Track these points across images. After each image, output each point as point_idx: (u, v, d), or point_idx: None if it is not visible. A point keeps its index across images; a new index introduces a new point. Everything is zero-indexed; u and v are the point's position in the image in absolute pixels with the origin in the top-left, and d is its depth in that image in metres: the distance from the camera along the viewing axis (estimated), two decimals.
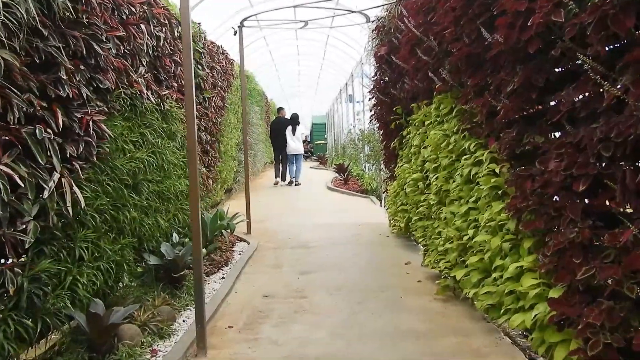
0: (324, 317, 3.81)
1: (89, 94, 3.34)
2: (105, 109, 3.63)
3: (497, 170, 3.02)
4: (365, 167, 12.97)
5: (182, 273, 4.41)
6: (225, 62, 9.30)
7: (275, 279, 4.89)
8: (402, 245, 6.22)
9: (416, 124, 5.32)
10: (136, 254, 4.22)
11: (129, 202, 3.91)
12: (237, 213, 6.65)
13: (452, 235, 3.77)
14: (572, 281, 2.16)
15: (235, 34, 7.21)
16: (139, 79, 4.31)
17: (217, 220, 5.70)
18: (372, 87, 6.82)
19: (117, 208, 3.70)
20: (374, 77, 6.80)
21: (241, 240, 6.64)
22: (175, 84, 5.61)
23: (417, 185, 5.19)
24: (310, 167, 21.63)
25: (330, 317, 3.79)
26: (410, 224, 5.62)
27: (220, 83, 8.55)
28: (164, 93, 5.11)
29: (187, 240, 5.25)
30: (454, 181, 3.95)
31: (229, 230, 6.31)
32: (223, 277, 4.96)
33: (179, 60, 5.71)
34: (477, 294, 3.28)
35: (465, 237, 3.55)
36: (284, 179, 13.57)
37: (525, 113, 2.69)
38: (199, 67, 6.90)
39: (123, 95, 3.93)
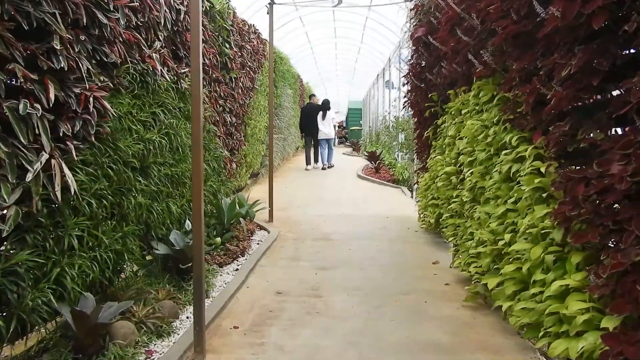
0: (338, 321, 3.47)
1: (90, 67, 3.05)
2: (111, 84, 3.34)
3: (542, 170, 2.59)
4: (398, 156, 12.51)
5: (191, 264, 4.13)
6: (257, 42, 8.96)
7: (291, 274, 4.58)
8: (430, 242, 5.81)
9: (452, 113, 4.87)
10: (143, 242, 3.97)
11: (134, 186, 3.64)
12: (257, 200, 6.35)
13: (486, 238, 3.35)
14: (634, 313, 1.75)
15: (267, 13, 6.87)
16: (153, 54, 4.01)
17: (235, 208, 5.40)
18: (407, 71, 6.37)
19: (120, 193, 3.43)
20: (409, 61, 6.34)
21: (262, 228, 6.35)
22: None
23: (449, 180, 4.76)
24: (343, 153, 21.21)
25: (345, 322, 3.44)
26: (440, 220, 5.20)
27: (249, 63, 8.23)
28: (182, 71, 4.81)
29: None
30: (490, 178, 3.52)
31: (248, 218, 6.03)
32: (237, 269, 4.68)
33: (202, 37, 5.39)
34: (512, 308, 2.87)
35: (501, 242, 3.13)
36: (316, 162, 13.69)
37: (580, 103, 2.25)
38: (226, 45, 6.58)
39: (132, 70, 3.64)
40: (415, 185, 8.63)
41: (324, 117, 13.31)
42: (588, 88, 2.08)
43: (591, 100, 2.16)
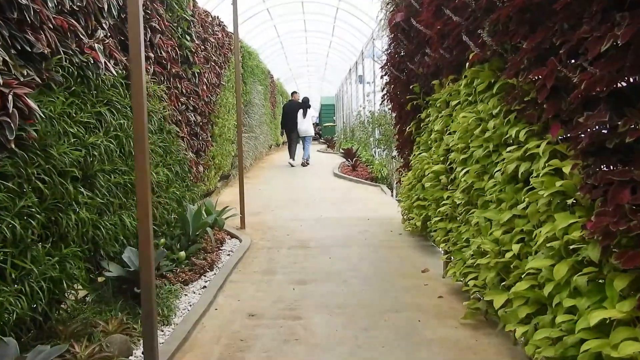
0: (320, 351, 2.97)
1: (7, 58, 2.48)
2: (38, 79, 2.76)
3: (566, 170, 2.13)
4: (375, 153, 12.07)
5: None
6: (222, 35, 8.38)
7: (265, 291, 4.06)
8: (417, 246, 5.36)
9: (438, 105, 4.42)
10: (91, 262, 3.40)
11: (76, 199, 3.07)
12: (227, 207, 5.80)
13: (489, 248, 2.89)
14: None
15: (232, 3, 6.32)
16: (96, 45, 3.43)
17: (201, 216, 4.85)
18: (384, 62, 5.90)
19: (56, 209, 2.87)
20: (387, 50, 5.87)
21: (233, 236, 5.81)
22: (153, 55, 4.73)
23: (438, 179, 4.31)
24: (318, 151, 20.71)
25: (329, 352, 2.95)
26: (428, 223, 4.75)
27: (215, 58, 7.65)
28: None
29: (163, 240, 4.44)
30: (490, 178, 3.07)
31: (217, 227, 5.49)
32: (205, 286, 4.14)
33: (157, 27, 4.83)
34: (527, 335, 2.42)
35: (509, 254, 2.68)
36: (292, 158, 13.87)
37: (616, 87, 1.80)
38: (187, 37, 6.01)
39: (68, 63, 3.06)
40: (396, 184, 8.20)
41: (304, 114, 13.64)
42: (636, 67, 1.62)
43: (633, 82, 1.71)
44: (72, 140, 3.05)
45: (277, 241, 5.66)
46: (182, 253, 4.36)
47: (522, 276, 2.51)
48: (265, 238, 5.81)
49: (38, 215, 2.67)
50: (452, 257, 3.98)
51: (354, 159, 11.90)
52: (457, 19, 3.19)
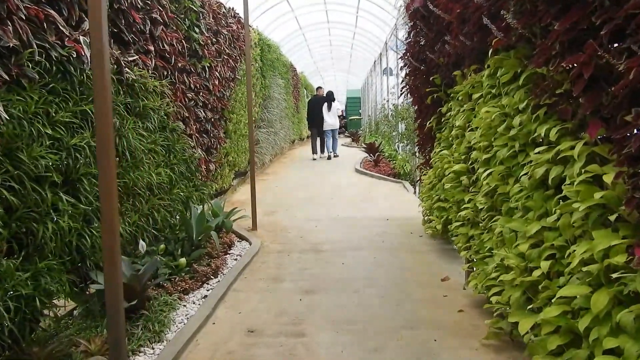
0: None
1: None
2: (5, 75, 2.50)
3: (608, 180, 1.74)
4: (398, 147, 11.63)
5: (141, 298, 3.32)
6: (237, 27, 8.08)
7: (269, 302, 3.75)
8: (438, 250, 4.98)
9: (459, 98, 4.03)
10: (77, 274, 3.14)
11: (56, 207, 2.81)
12: (235, 208, 5.51)
13: (513, 263, 2.51)
14: None
15: None
16: (81, 37, 3.16)
17: (205, 219, 4.56)
18: (404, 52, 5.50)
19: (30, 219, 2.61)
20: (406, 39, 5.47)
21: (242, 239, 5.52)
22: (152, 48, 4.45)
23: (459, 180, 3.92)
24: (342, 144, 20.30)
25: None
26: (449, 226, 4.36)
27: (228, 51, 7.35)
28: (131, 58, 3.97)
29: (162, 246, 4.17)
30: (516, 182, 2.68)
31: (224, 230, 5.21)
32: (206, 296, 3.86)
33: (158, 18, 4.54)
34: None
35: (537, 272, 2.29)
36: (322, 152, 14.12)
37: None
38: (195, 29, 5.72)
39: (44, 58, 2.79)
40: (418, 182, 7.79)
41: (329, 108, 13.83)
42: None
43: None
44: (49, 143, 2.78)
45: (288, 244, 5.35)
46: (183, 260, 4.08)
47: (553, 299, 2.12)
48: (277, 240, 5.50)
49: (8, 226, 2.41)
50: (473, 267, 3.60)
51: (377, 154, 11.48)
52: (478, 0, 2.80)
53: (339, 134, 27.32)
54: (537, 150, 2.31)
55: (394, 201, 7.60)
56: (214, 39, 6.61)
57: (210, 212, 5.17)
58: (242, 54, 8.22)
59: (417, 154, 6.82)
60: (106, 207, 2.21)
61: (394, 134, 11.76)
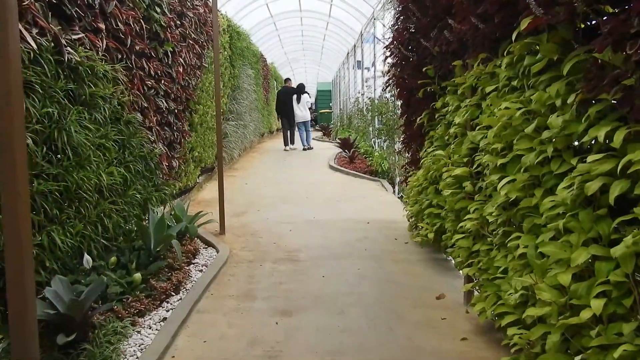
0: None
1: None
2: None
3: None
4: (374, 143, 11.16)
5: (82, 329, 2.71)
6: (205, 11, 7.42)
7: (240, 326, 3.19)
8: (427, 259, 4.50)
9: (459, 92, 3.54)
10: (1, 300, 2.52)
11: None
12: (200, 212, 4.92)
13: (549, 298, 2.02)
14: None
15: None
16: None
17: (165, 226, 3.96)
18: (390, 40, 4.98)
19: None
20: (393, 25, 4.95)
21: (209, 245, 4.93)
22: (103, 26, 3.80)
23: (459, 186, 3.43)
24: (313, 139, 19.74)
25: None
26: (443, 236, 3.89)
27: (194, 36, 6.70)
28: (75, 37, 3.32)
29: (113, 259, 3.55)
30: (547, 194, 2.19)
31: (188, 236, 4.61)
32: (165, 318, 3.27)
33: None
34: None
35: (585, 314, 1.80)
36: (292, 143, 14.11)
37: None
38: (156, 9, 5.06)
39: None
40: (401, 183, 7.32)
41: (298, 100, 13.72)
42: None
43: None
44: None
45: (261, 251, 4.79)
46: (137, 275, 3.47)
47: (608, 348, 1.64)
48: (248, 247, 4.93)
49: None
50: (477, 286, 3.13)
51: (352, 150, 10.97)
52: None
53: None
54: (588, 158, 1.81)
55: (373, 201, 7.11)
56: (178, 22, 5.96)
57: (172, 216, 4.56)
58: (210, 40, 7.57)
59: (400, 152, 6.34)
60: (10, 216, 1.61)
61: (369, 128, 11.28)
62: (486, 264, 2.92)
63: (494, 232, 2.86)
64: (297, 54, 24.69)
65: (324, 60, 24.85)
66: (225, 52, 9.56)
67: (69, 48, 3.16)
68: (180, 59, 5.94)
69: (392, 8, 5.14)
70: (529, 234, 2.35)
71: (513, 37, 2.37)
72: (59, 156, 3.04)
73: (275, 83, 20.52)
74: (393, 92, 7.41)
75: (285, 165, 11.26)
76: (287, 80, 15.10)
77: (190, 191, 7.07)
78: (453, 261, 4.31)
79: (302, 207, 6.68)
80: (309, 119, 14.17)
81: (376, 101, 10.15)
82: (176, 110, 5.81)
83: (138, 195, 4.12)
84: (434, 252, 4.63)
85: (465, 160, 3.35)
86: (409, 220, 5.12)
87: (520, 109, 2.39)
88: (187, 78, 6.25)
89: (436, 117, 4.09)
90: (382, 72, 9.38)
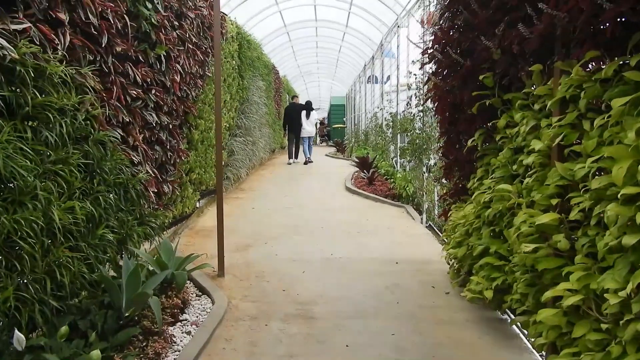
0: None
1: None
2: None
3: None
4: (396, 163, 10.18)
5: None
6: (210, 13, 6.56)
7: None
8: (479, 320, 3.52)
9: (537, 108, 2.61)
10: None
11: None
12: (192, 254, 3.98)
13: None
14: None
15: None
16: None
17: (140, 281, 3.01)
18: (431, 42, 4.05)
19: None
20: (437, 25, 4.02)
21: (203, 293, 3.98)
22: (65, 17, 2.91)
23: (543, 238, 2.47)
24: (327, 155, 18.85)
25: None
26: (508, 298, 2.92)
27: (196, 40, 5.82)
28: (14, 27, 2.43)
29: (63, 330, 2.61)
30: None
31: (174, 285, 3.66)
32: None
33: None
34: None
35: None
36: (296, 157, 14.73)
37: None
38: (147, 5, 4.19)
39: None
40: (427, 204, 6.34)
41: (307, 116, 14.49)
42: None
43: None
44: None
45: (266, 302, 3.83)
46: (96, 353, 2.51)
47: None
48: (251, 295, 3.97)
49: None
50: None
51: (371, 171, 9.98)
52: None
53: (322, 142, 27.61)
54: None
55: (399, 232, 6.12)
56: (176, 22, 5.08)
57: (155, 260, 3.63)
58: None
59: (431, 172, 5.37)
60: None
61: (390, 147, 10.32)
62: (601, 358, 1.94)
63: (614, 316, 1.89)
64: (310, 67, 23.88)
65: (338, 73, 24.03)
66: (234, 62, 8.70)
67: (2, 40, 2.27)
68: (177, 66, 5.06)
69: (432, 4, 4.20)
70: None
71: None
72: None
73: (287, 97, 19.71)
74: (423, 106, 6.48)
75: (298, 186, 10.31)
76: (295, 97, 15.81)
77: (188, 218, 6.15)
78: (514, 326, 3.34)
79: (317, 240, 5.71)
80: (313, 134, 15.17)
81: (399, 116, 9.20)
82: (170, 126, 4.91)
83: (110, 235, 3.20)
84: (484, 308, 3.65)
85: (555, 202, 2.39)
86: (448, 264, 4.15)
87: None
88: (185, 88, 5.36)
89: (498, 139, 3.14)
90: (408, 84, 8.47)
